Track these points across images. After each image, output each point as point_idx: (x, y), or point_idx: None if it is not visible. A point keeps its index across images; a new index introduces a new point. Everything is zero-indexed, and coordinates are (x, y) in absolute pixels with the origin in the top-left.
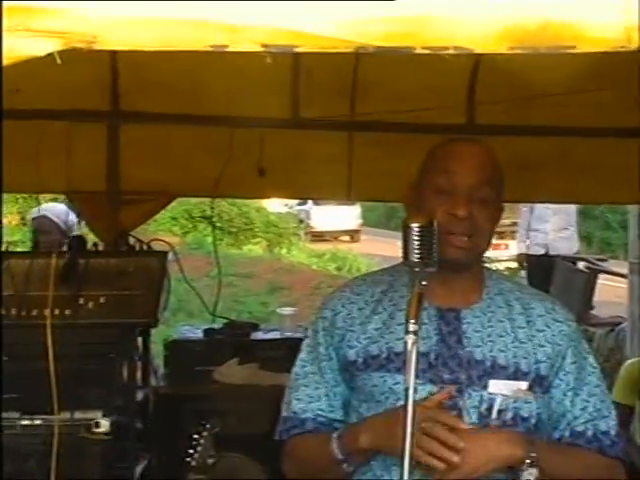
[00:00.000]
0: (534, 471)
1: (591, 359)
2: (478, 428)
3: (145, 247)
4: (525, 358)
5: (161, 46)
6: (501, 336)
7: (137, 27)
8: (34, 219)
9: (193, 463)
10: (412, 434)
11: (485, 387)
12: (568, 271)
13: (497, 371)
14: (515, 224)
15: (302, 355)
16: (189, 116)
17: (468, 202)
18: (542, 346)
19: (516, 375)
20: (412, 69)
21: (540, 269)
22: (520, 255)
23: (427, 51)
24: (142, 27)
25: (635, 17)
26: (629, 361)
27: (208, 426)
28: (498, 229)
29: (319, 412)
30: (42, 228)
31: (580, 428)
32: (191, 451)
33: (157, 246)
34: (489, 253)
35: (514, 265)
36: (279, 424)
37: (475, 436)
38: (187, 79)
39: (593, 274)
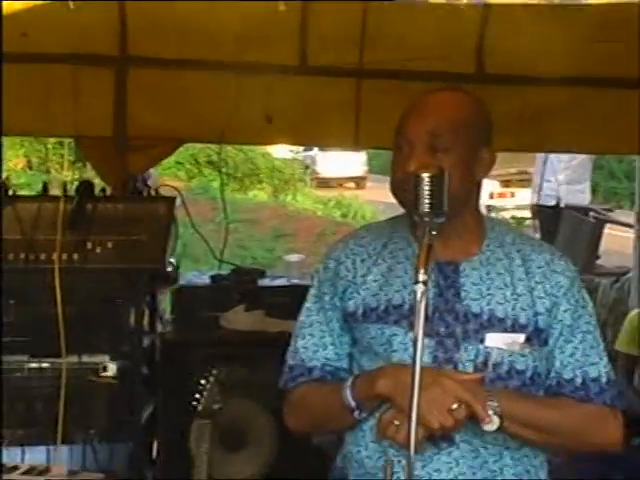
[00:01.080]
0: (495, 419)
1: (589, 308)
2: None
3: (153, 192)
4: (524, 310)
5: None
6: (500, 288)
7: None
8: None
9: (199, 408)
10: (419, 385)
11: (482, 340)
12: (575, 221)
13: (494, 324)
14: (524, 172)
15: (308, 304)
16: (197, 62)
17: (421, 153)
18: (541, 298)
19: (514, 328)
20: (421, 17)
21: (550, 220)
22: (533, 206)
23: (442, 0)
24: None
25: None
26: (634, 311)
27: (214, 372)
28: (504, 177)
29: (326, 360)
30: None
31: (568, 375)
32: (197, 396)
33: (165, 192)
34: (494, 202)
35: (520, 214)
36: (284, 373)
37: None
38: (195, 24)
39: (599, 224)
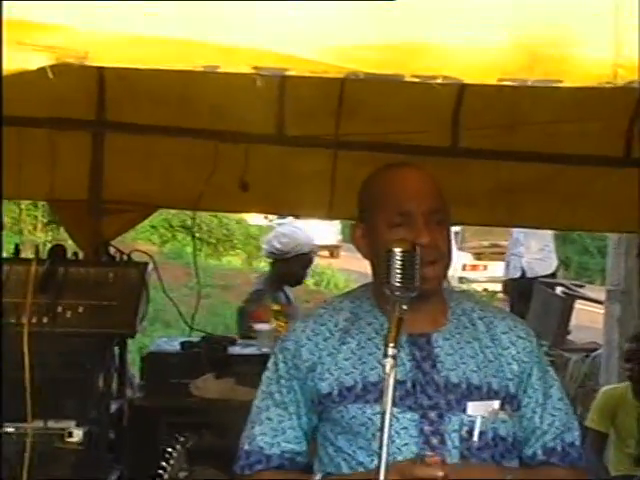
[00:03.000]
0: None
1: (552, 372)
2: (460, 464)
3: (125, 257)
4: (495, 377)
5: (152, 64)
6: (472, 357)
7: (128, 45)
8: None
9: (165, 476)
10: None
11: (464, 410)
12: (546, 296)
13: (472, 392)
14: (496, 245)
15: (263, 387)
16: (175, 128)
17: (427, 228)
18: (509, 364)
19: (489, 395)
20: (398, 91)
21: (519, 293)
22: (505, 280)
23: (416, 79)
24: (133, 45)
25: (623, 54)
26: (604, 387)
27: (182, 439)
28: (476, 250)
29: (285, 445)
30: None
31: (551, 444)
32: (164, 464)
33: (137, 256)
34: (466, 273)
35: (492, 287)
36: (240, 457)
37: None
38: (174, 91)
39: (570, 300)
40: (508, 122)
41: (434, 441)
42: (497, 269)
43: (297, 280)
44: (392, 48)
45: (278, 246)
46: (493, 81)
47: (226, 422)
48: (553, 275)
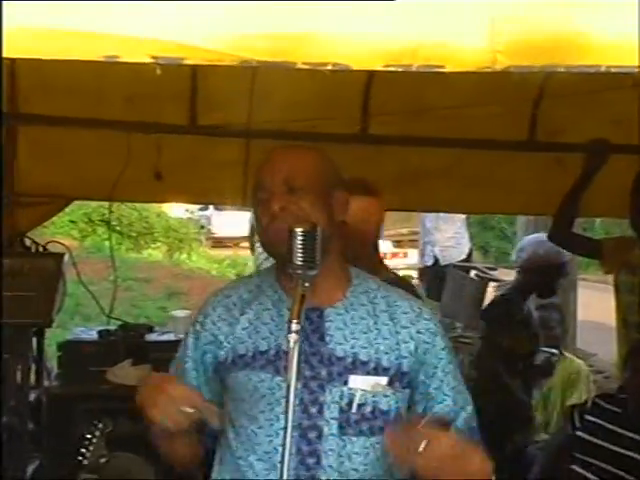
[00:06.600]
0: None
1: (452, 355)
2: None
3: (41, 249)
4: (387, 353)
5: (59, 55)
6: (364, 332)
7: (38, 38)
8: None
9: (85, 462)
10: (291, 430)
11: (346, 383)
12: (459, 279)
13: (357, 367)
14: (414, 233)
15: (175, 360)
16: (87, 120)
17: (280, 196)
18: (406, 342)
19: (377, 370)
20: (307, 80)
21: (434, 278)
22: (420, 268)
23: (307, 66)
24: (43, 38)
25: (500, 41)
26: None
27: (100, 426)
28: (396, 238)
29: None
30: None
31: (450, 418)
32: (83, 450)
33: (53, 248)
34: (388, 262)
35: (413, 273)
36: None
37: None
38: (86, 83)
39: (483, 282)
40: (415, 108)
41: (312, 410)
42: (416, 256)
43: None
44: (283, 37)
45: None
46: (379, 67)
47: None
48: (467, 260)
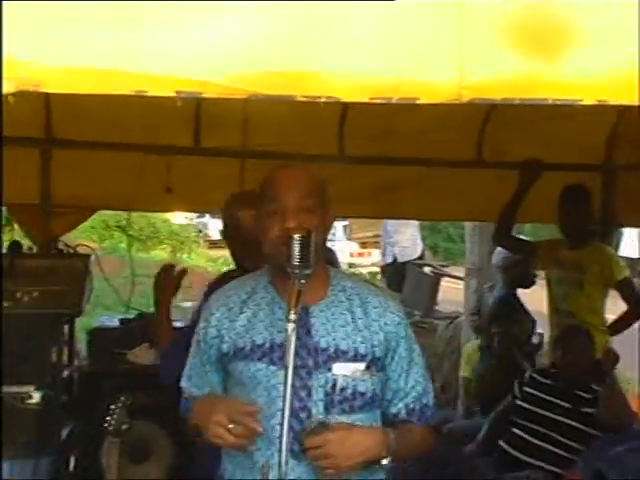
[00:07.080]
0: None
1: (417, 345)
2: (346, 425)
3: (72, 251)
4: (363, 343)
5: (95, 90)
6: (343, 326)
7: (74, 75)
8: None
9: (110, 428)
10: (288, 412)
11: (329, 370)
12: (417, 274)
13: (339, 356)
14: (378, 236)
15: (191, 349)
16: (109, 143)
17: (295, 214)
18: (377, 333)
19: (356, 358)
20: (292, 110)
21: (394, 274)
22: (382, 265)
23: (305, 99)
24: (78, 75)
25: (466, 79)
26: (468, 344)
27: (122, 398)
28: (362, 240)
29: (206, 390)
30: None
31: (411, 405)
32: (108, 419)
33: (81, 250)
34: (354, 260)
35: (374, 270)
36: (181, 401)
37: (347, 432)
38: (109, 113)
39: (437, 277)
40: (384, 133)
41: (302, 394)
42: (379, 255)
43: None
44: (286, 74)
45: None
46: (366, 99)
47: (158, 384)
48: (420, 258)
